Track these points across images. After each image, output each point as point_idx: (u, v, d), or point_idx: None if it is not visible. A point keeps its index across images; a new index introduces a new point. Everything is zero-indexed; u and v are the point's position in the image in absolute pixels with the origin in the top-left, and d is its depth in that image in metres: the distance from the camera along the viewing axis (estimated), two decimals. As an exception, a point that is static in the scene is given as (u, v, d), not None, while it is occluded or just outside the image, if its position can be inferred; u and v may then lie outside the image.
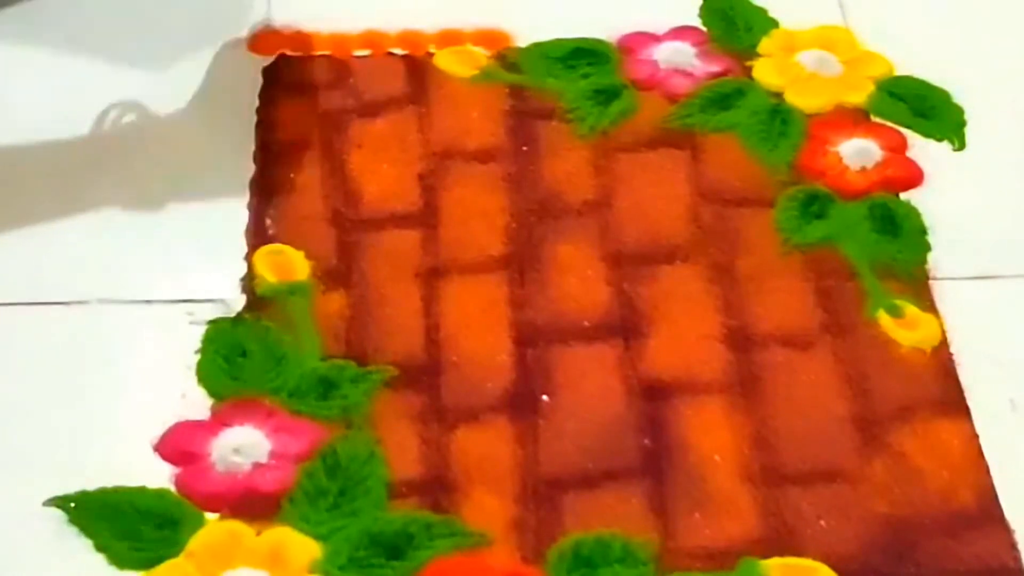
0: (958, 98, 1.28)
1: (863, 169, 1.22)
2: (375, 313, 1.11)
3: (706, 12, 1.35)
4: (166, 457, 1.02)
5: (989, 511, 1.01)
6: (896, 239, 1.17)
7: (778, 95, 1.28)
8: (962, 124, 1.26)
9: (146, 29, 1.31)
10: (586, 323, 1.11)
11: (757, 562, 0.98)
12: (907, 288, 1.14)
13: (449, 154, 1.23)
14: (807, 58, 1.31)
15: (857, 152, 1.23)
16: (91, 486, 1.00)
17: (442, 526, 0.99)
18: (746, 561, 0.98)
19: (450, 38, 1.32)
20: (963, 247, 1.17)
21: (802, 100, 1.27)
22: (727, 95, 1.28)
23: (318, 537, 0.98)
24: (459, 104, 1.27)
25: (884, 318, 1.12)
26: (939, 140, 1.25)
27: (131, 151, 1.21)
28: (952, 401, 1.07)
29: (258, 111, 1.24)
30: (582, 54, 1.31)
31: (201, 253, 1.15)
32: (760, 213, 1.19)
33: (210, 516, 0.99)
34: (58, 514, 0.99)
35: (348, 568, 0.97)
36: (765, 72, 1.30)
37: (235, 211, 1.17)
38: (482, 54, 1.31)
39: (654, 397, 1.07)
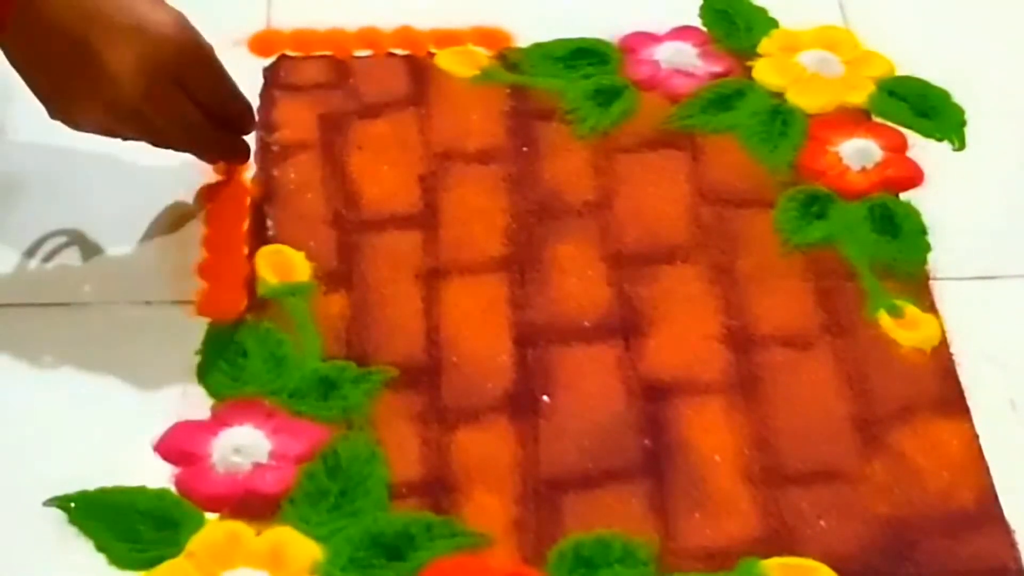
0: (958, 98, 1.28)
1: (863, 169, 1.22)
2: (376, 314, 1.11)
3: (706, 12, 1.35)
4: (166, 457, 1.02)
5: (989, 511, 1.01)
6: (896, 239, 1.17)
7: (779, 95, 1.28)
8: (962, 124, 1.26)
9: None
10: (586, 323, 1.11)
11: (757, 562, 0.98)
12: (907, 288, 1.14)
13: (450, 155, 1.23)
14: (808, 58, 1.31)
15: (857, 152, 1.23)
16: (91, 486, 1.00)
17: (443, 527, 0.99)
18: (746, 561, 0.98)
19: (451, 38, 1.32)
20: (963, 247, 1.16)
21: (803, 100, 1.27)
22: (728, 96, 1.28)
23: (318, 538, 0.98)
24: (460, 105, 1.27)
25: (884, 318, 1.12)
26: (939, 140, 1.25)
27: (131, 152, 1.21)
28: (952, 401, 1.07)
29: (258, 111, 1.24)
30: (583, 54, 1.31)
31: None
32: (760, 213, 1.19)
33: (210, 516, 0.99)
34: (58, 514, 0.99)
35: (349, 569, 0.97)
36: (765, 72, 1.30)
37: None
38: (483, 54, 1.31)
39: (654, 397, 1.07)
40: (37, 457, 1.02)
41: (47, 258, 1.13)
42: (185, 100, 1.09)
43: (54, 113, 1.08)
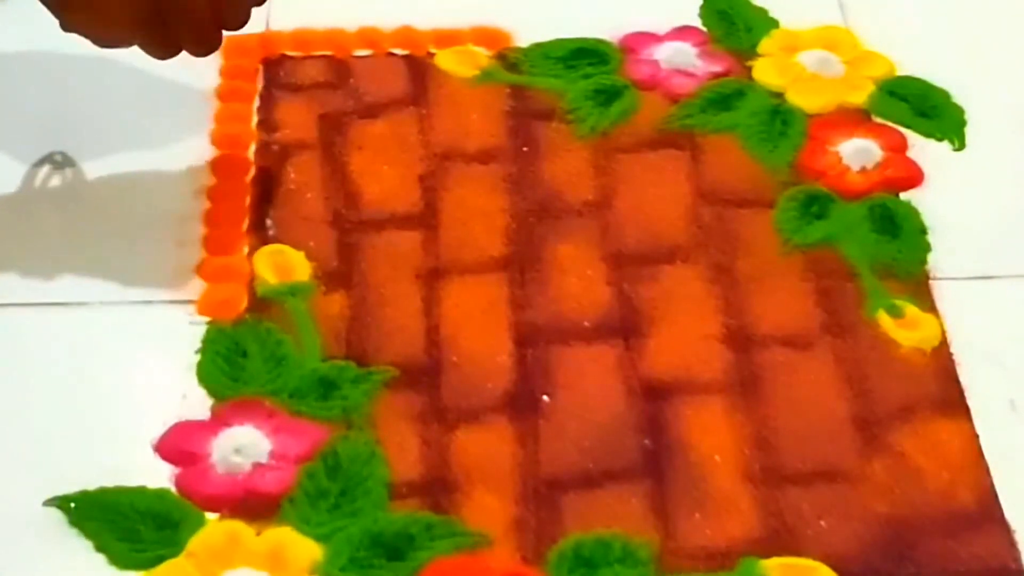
0: (958, 98, 1.28)
1: (863, 169, 1.22)
2: (376, 314, 1.11)
3: (706, 12, 1.35)
4: (166, 457, 1.02)
5: (989, 511, 1.01)
6: (896, 239, 1.17)
7: (779, 95, 1.28)
8: (962, 124, 1.26)
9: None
10: (586, 323, 1.11)
11: (757, 562, 0.98)
12: (907, 288, 1.14)
13: (449, 155, 1.23)
14: (808, 58, 1.31)
15: (857, 152, 1.23)
16: (91, 486, 1.00)
17: (442, 527, 0.99)
18: (746, 561, 0.98)
19: (450, 38, 1.32)
20: (963, 247, 1.16)
21: (803, 100, 1.27)
22: (727, 96, 1.28)
23: (319, 538, 0.98)
24: (460, 105, 1.27)
25: (884, 318, 1.12)
26: (939, 140, 1.25)
27: (131, 150, 1.21)
28: (952, 401, 1.07)
29: (258, 111, 1.25)
30: (583, 54, 1.31)
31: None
32: (760, 213, 1.19)
33: (210, 516, 0.99)
34: (58, 514, 0.99)
35: (349, 569, 0.97)
36: (765, 72, 1.30)
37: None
38: (483, 54, 1.31)
39: (654, 397, 1.07)
40: (37, 457, 1.02)
41: (47, 258, 1.13)
42: None
43: (70, 23, 1.03)
